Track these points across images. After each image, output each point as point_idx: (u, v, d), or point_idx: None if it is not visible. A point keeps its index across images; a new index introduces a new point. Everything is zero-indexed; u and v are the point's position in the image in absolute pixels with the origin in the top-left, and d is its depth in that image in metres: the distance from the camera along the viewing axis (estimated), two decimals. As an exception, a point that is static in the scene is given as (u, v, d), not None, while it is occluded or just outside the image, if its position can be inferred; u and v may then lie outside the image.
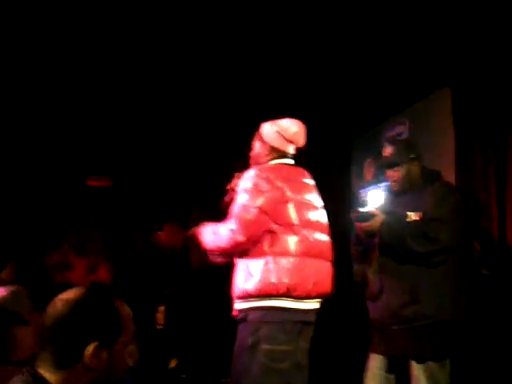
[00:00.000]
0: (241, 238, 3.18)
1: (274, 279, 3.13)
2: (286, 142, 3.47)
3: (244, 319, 3.23)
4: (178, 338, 5.66)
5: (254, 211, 3.18)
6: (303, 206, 3.33)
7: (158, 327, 5.71)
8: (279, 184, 3.28)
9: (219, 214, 3.67)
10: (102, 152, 7.68)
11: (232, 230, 3.19)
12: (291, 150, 3.54)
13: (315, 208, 3.42)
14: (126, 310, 1.81)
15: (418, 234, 3.41)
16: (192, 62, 5.98)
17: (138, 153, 7.65)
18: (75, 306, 1.73)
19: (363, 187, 6.82)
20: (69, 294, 1.76)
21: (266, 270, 3.14)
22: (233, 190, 3.54)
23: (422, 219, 3.45)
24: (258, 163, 3.48)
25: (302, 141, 3.53)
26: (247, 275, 3.19)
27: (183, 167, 7.70)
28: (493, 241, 4.80)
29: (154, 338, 5.57)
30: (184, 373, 5.53)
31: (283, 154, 3.49)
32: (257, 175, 3.29)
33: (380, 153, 5.36)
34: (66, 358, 1.69)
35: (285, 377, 3.14)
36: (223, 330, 5.49)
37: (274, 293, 3.15)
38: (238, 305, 3.27)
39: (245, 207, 3.20)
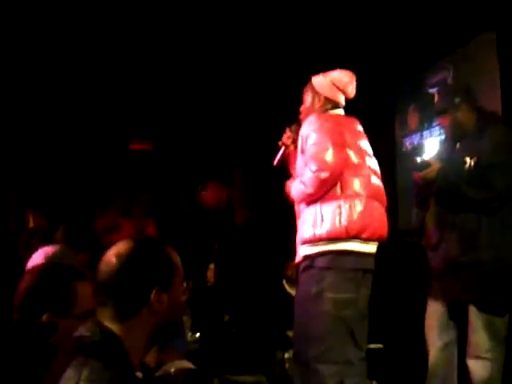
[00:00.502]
0: (325, 174, 3.19)
1: (345, 222, 3.17)
2: (339, 92, 3.53)
3: (310, 266, 3.25)
4: (229, 295, 5.73)
5: (329, 146, 3.22)
6: (361, 152, 3.39)
7: (209, 284, 5.78)
8: (339, 129, 3.36)
9: (262, 173, 3.70)
10: (144, 115, 7.73)
11: (314, 171, 3.19)
12: (343, 100, 3.61)
13: (369, 155, 3.47)
14: (175, 254, 1.86)
15: (473, 181, 3.35)
16: (234, 22, 6.00)
17: (179, 113, 7.68)
18: (130, 256, 1.77)
19: (407, 135, 6.78)
20: (118, 248, 1.79)
21: (338, 213, 3.16)
22: (286, 145, 3.58)
23: (477, 164, 3.37)
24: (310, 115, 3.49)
25: (353, 91, 3.59)
26: (318, 220, 3.21)
27: (225, 126, 7.70)
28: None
29: (206, 296, 5.65)
30: (236, 327, 5.62)
31: (335, 105, 3.55)
32: (319, 118, 3.36)
33: (424, 100, 5.29)
34: (128, 308, 1.74)
35: (349, 324, 3.19)
36: (270, 285, 5.58)
37: (345, 235, 3.18)
38: (305, 250, 3.28)
39: (319, 145, 3.23)
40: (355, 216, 3.18)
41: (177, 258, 1.85)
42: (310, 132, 3.31)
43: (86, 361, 1.66)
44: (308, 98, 3.57)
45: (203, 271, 5.73)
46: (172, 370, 2.58)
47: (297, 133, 3.49)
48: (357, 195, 3.23)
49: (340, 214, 3.15)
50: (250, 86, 7.23)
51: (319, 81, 3.55)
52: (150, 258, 1.79)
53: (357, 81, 3.66)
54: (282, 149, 3.60)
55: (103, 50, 6.46)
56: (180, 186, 7.25)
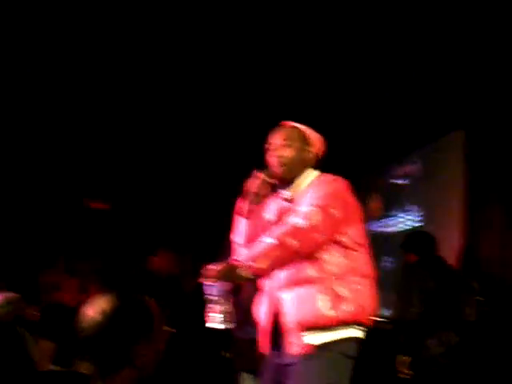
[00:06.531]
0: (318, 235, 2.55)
1: (364, 303, 2.62)
2: (321, 153, 2.91)
3: (324, 350, 2.59)
4: (178, 361, 5.53)
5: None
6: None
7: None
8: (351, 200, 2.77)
9: (213, 254, 3.26)
10: (102, 175, 7.70)
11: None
12: None
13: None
14: (153, 304, 1.81)
15: None
16: (185, 95, 6.12)
17: (138, 177, 7.68)
18: (115, 312, 1.71)
19: (368, 223, 6.75)
20: (100, 303, 1.73)
21: (355, 292, 2.60)
22: (256, 193, 2.81)
23: None
24: (291, 171, 2.79)
25: None
26: (335, 297, 2.57)
27: (181, 195, 7.73)
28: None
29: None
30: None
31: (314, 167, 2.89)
32: (343, 187, 2.73)
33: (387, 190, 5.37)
34: (112, 365, 1.70)
35: None
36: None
37: (363, 320, 2.63)
38: (314, 338, 2.59)
39: (329, 207, 2.59)
40: (369, 300, 2.65)
41: (156, 308, 1.80)
42: (322, 191, 2.65)
43: None
44: (294, 144, 2.79)
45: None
46: None
47: (267, 182, 2.81)
48: (367, 275, 2.69)
49: (358, 291, 2.60)
50: (204, 157, 7.31)
51: (313, 133, 2.87)
52: (135, 313, 1.74)
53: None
54: (256, 197, 2.79)
55: (64, 107, 6.42)
56: (131, 249, 7.13)
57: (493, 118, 5.24)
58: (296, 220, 2.53)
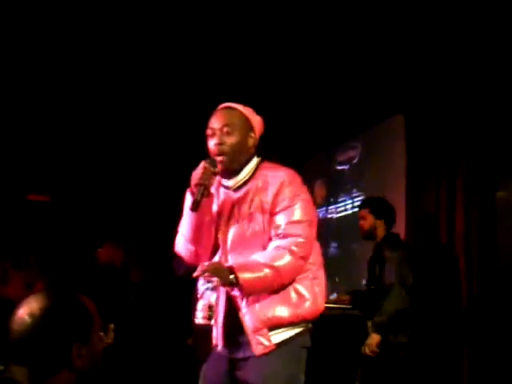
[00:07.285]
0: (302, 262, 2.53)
1: (321, 299, 2.59)
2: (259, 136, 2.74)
3: (285, 344, 2.55)
4: (127, 355, 5.47)
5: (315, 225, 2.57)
6: None
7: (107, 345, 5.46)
8: None
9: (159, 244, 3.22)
10: (44, 167, 7.56)
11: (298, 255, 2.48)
12: None
13: None
14: (89, 301, 1.75)
15: None
16: (125, 86, 6.14)
17: (79, 167, 7.57)
18: (46, 313, 1.64)
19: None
20: (31, 305, 1.66)
21: (313, 287, 2.57)
22: (205, 185, 2.50)
23: None
24: (233, 160, 2.57)
25: None
26: (294, 298, 2.53)
27: (125, 186, 7.66)
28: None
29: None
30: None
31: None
32: (303, 185, 2.61)
33: (332, 176, 5.38)
34: (47, 369, 1.63)
35: None
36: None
37: (319, 313, 2.61)
38: (283, 335, 2.54)
39: (313, 224, 2.54)
40: (324, 291, 2.62)
41: (91, 306, 1.73)
42: (299, 199, 2.51)
43: None
44: (236, 131, 2.57)
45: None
46: None
47: (211, 172, 2.52)
48: (321, 264, 2.65)
49: (314, 287, 2.56)
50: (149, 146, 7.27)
51: (254, 116, 2.67)
52: (67, 313, 1.67)
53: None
54: (201, 189, 2.48)
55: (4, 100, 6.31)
56: (76, 241, 7.03)
57: (431, 102, 5.34)
58: (284, 247, 2.45)
